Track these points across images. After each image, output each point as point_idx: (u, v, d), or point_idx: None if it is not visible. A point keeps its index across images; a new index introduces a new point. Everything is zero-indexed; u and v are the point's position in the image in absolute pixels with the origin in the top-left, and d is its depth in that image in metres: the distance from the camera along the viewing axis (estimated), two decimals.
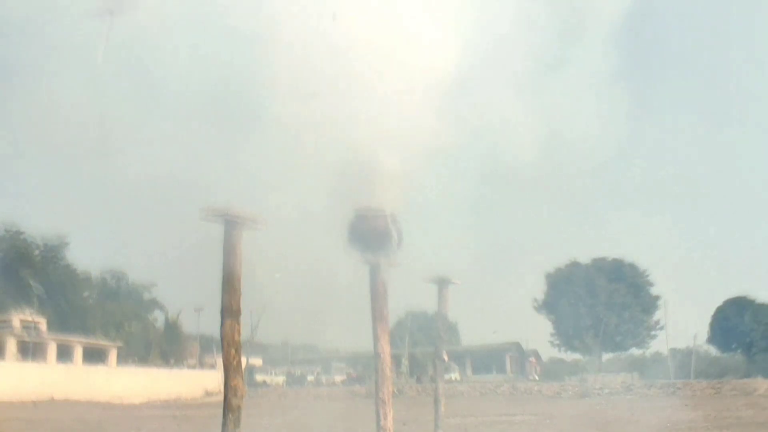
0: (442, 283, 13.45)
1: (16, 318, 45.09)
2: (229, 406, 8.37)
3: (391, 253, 11.52)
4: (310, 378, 60.33)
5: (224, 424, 8.34)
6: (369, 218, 11.07)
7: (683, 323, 77.38)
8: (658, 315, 63.29)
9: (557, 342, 65.10)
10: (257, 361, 60.27)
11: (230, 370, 8.57)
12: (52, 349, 44.28)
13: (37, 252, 52.92)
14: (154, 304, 58.17)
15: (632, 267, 63.52)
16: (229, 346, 8.64)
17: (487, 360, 66.50)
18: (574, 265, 63.78)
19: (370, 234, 11.09)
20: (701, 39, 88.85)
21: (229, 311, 8.68)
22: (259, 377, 56.77)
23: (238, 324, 8.76)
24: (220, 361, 9.10)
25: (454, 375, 58.65)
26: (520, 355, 70.86)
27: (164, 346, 55.07)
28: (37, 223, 57.27)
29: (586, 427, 23.56)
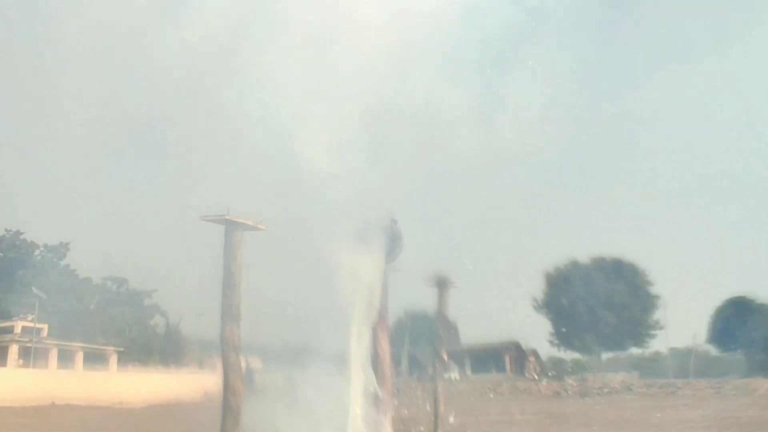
0: (441, 284, 13.55)
1: (18, 323, 45.13)
2: (228, 406, 8.45)
3: (393, 256, 11.61)
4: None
5: (223, 424, 8.42)
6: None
7: (683, 323, 77.37)
8: (657, 314, 63.39)
9: (557, 341, 65.20)
10: (257, 363, 60.21)
11: (230, 371, 8.65)
12: (53, 355, 44.31)
13: (37, 252, 52.96)
14: (155, 309, 58.13)
15: (632, 267, 63.54)
16: (229, 350, 8.71)
17: (487, 359, 66.45)
18: (574, 265, 63.84)
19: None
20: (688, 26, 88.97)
21: (229, 314, 8.75)
22: (258, 378, 56.74)
23: (238, 327, 8.83)
24: (220, 364, 9.17)
25: (454, 374, 58.66)
26: (520, 354, 70.84)
27: (165, 350, 55.00)
28: (38, 226, 57.47)
29: (588, 426, 23.63)
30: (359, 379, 10.44)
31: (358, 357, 10.54)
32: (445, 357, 13.97)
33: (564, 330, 63.26)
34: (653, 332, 64.16)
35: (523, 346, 70.47)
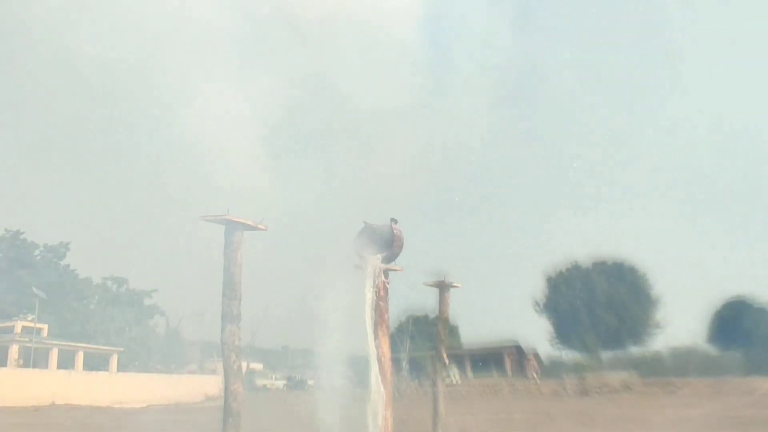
0: (442, 287, 13.55)
1: (19, 324, 45.15)
2: (229, 410, 8.45)
3: (393, 256, 11.62)
4: (310, 382, 60.41)
5: (224, 427, 8.42)
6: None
7: (683, 323, 77.26)
8: (658, 315, 63.30)
9: (557, 342, 65.20)
10: (258, 366, 60.41)
11: (230, 374, 8.64)
12: (53, 355, 44.32)
13: (36, 252, 52.98)
14: (155, 309, 58.14)
15: (632, 270, 63.48)
16: (229, 351, 8.71)
17: (487, 360, 66.43)
18: (574, 268, 63.87)
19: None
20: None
21: (230, 316, 8.75)
22: (259, 381, 56.86)
23: (238, 327, 8.83)
24: (220, 366, 9.17)
25: (454, 375, 58.65)
26: (520, 355, 70.83)
27: (165, 351, 55.02)
28: (38, 226, 57.46)
29: (588, 425, 23.62)
30: (375, 379, 10.44)
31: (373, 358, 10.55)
32: (446, 358, 13.97)
33: (564, 332, 63.30)
34: (653, 332, 64.11)
35: (523, 347, 70.51)
